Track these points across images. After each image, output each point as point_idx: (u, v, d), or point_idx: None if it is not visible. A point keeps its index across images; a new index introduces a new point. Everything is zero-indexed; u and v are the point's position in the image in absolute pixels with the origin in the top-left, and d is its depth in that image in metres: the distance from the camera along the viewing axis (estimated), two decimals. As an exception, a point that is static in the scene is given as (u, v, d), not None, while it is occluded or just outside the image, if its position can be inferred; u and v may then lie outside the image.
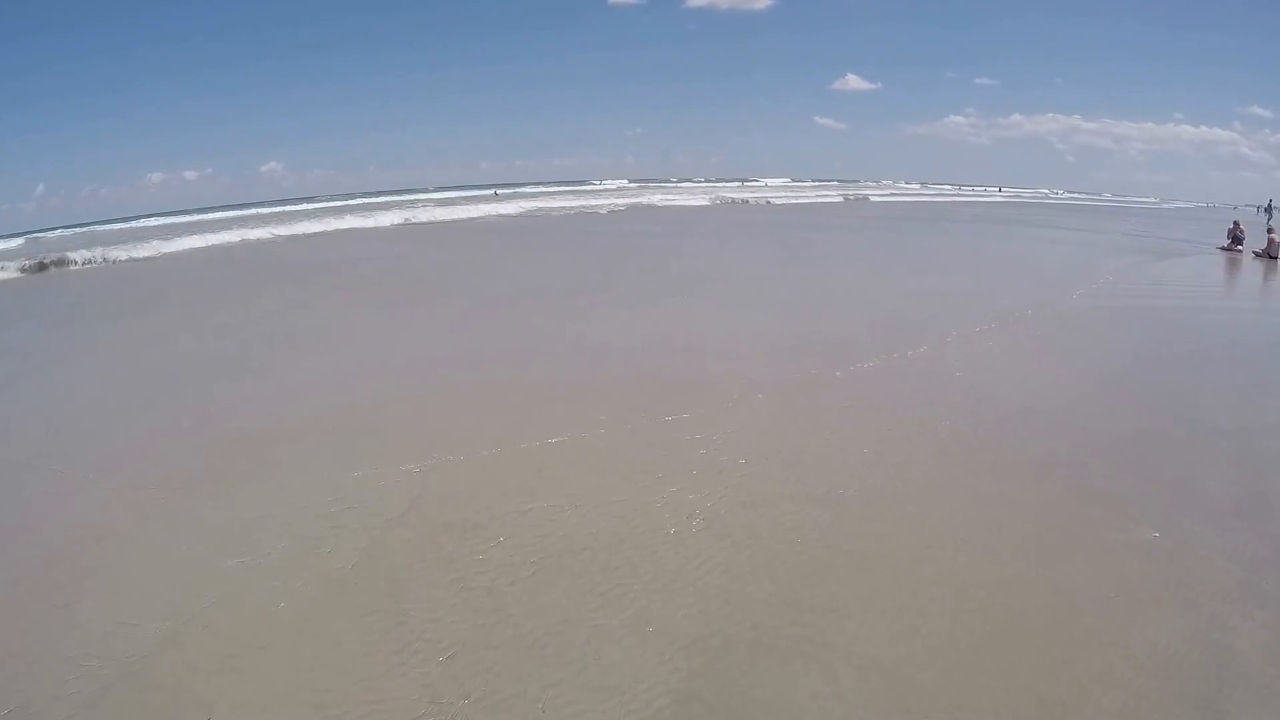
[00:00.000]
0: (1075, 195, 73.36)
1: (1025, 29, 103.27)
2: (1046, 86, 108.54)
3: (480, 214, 26.56)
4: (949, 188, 70.45)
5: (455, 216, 25.61)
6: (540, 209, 27.99)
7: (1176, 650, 2.40)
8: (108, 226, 36.70)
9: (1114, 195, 78.06)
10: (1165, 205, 62.15)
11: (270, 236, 20.08)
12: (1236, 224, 15.86)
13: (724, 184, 57.63)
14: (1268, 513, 3.36)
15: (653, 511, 3.34)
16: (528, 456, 3.96)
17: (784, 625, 2.53)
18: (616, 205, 30.90)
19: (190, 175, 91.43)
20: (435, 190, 53.04)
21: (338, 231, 21.25)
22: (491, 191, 43.95)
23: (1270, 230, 14.55)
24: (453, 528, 3.23)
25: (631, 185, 54.21)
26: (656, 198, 34.82)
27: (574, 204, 30.83)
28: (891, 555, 2.97)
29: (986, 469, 3.80)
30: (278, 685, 2.33)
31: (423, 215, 25.49)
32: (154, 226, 31.46)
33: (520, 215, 26.40)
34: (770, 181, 62.36)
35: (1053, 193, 73.98)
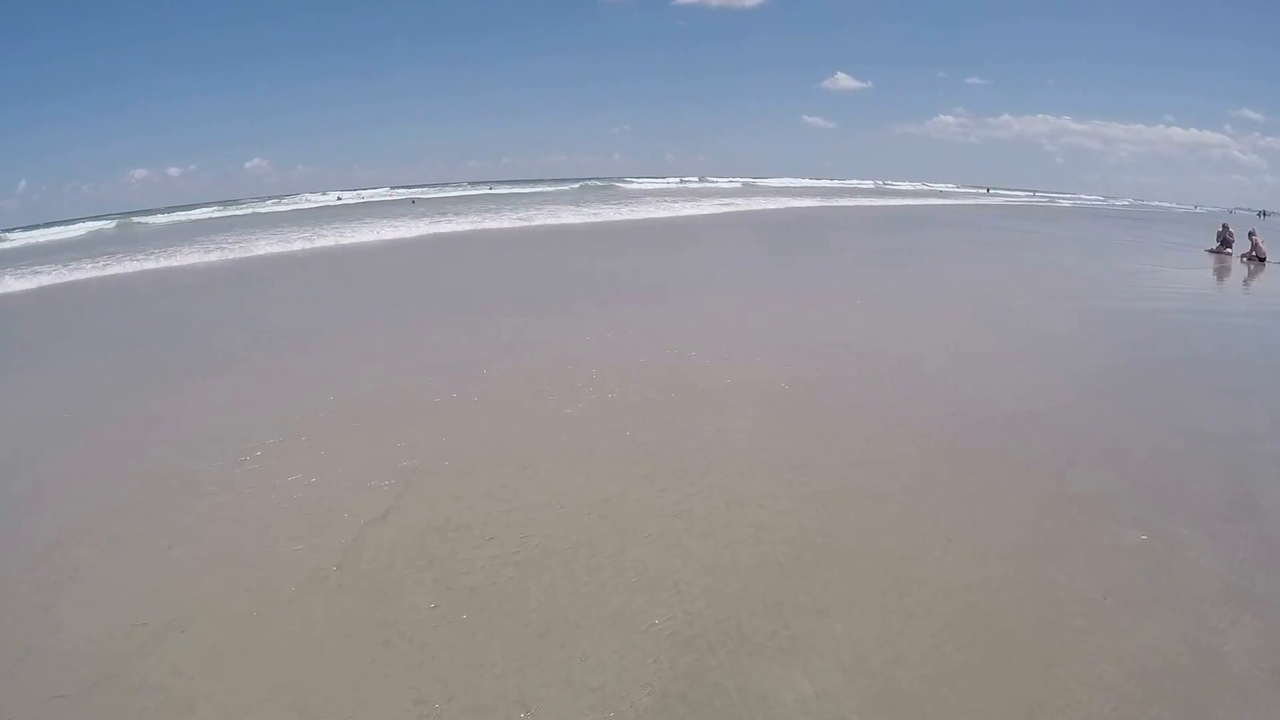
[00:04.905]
0: (1102, 199, 71.11)
1: (1018, 29, 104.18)
2: (1038, 87, 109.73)
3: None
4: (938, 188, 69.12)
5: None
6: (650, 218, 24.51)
7: (1164, 653, 2.39)
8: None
9: (1135, 199, 76.38)
10: (1181, 209, 59.81)
11: (458, 231, 19.16)
12: (1225, 227, 15.82)
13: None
14: (1255, 516, 3.35)
15: (637, 511, 3.33)
16: (511, 456, 3.94)
17: (768, 625, 2.52)
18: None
19: (174, 172, 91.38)
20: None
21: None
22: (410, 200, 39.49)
23: (1252, 233, 14.54)
24: (436, 528, 3.21)
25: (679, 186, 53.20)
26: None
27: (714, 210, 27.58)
28: (878, 556, 2.95)
29: (973, 471, 3.79)
30: (261, 686, 2.31)
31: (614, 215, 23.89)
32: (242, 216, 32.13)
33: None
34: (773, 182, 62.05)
35: (1064, 195, 72.06)
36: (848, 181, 69.96)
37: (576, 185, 51.46)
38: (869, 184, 68.26)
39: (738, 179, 62.29)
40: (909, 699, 2.20)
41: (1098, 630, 2.50)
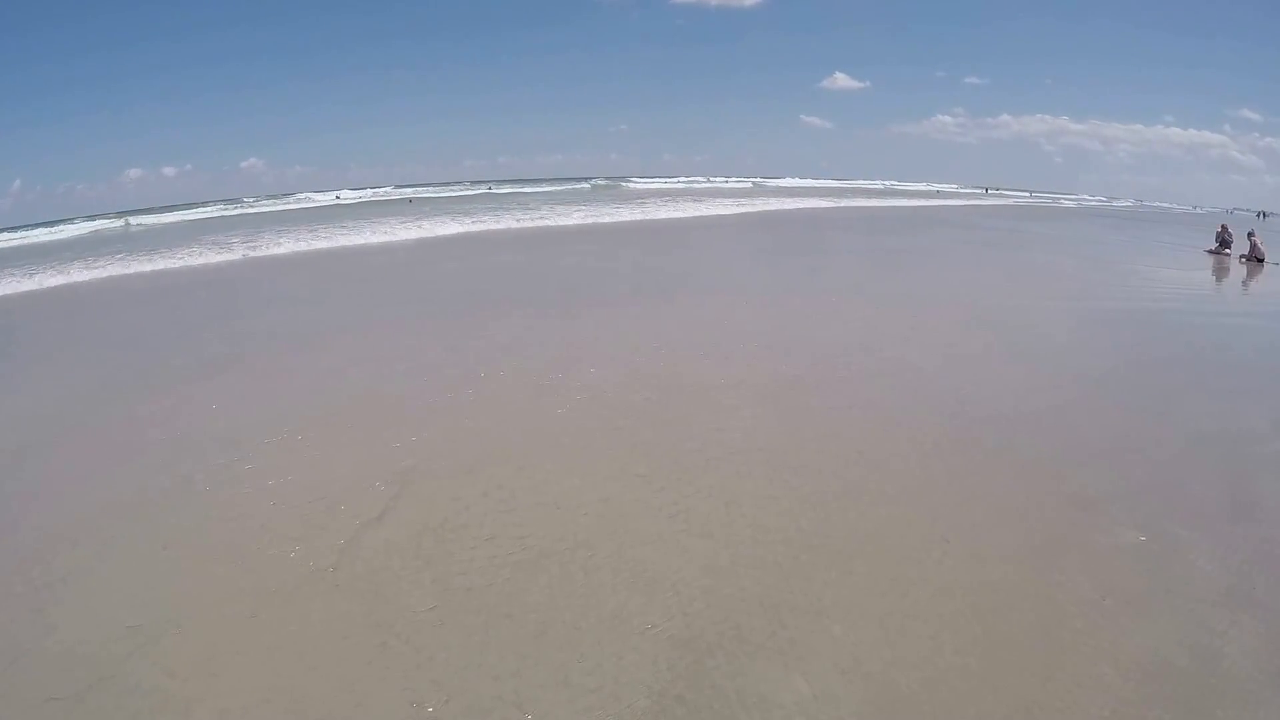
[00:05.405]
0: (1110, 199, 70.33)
1: (1017, 29, 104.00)
2: (1036, 87, 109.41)
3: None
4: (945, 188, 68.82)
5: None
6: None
7: (1163, 655, 2.39)
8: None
9: (1138, 200, 74.70)
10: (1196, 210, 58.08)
11: (466, 232, 18.88)
12: (1224, 227, 15.78)
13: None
14: (1255, 517, 3.34)
15: (634, 512, 3.32)
16: (509, 457, 3.93)
17: (767, 626, 2.51)
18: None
19: (169, 171, 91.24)
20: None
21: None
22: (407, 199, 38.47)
23: (1251, 234, 14.54)
24: (433, 528, 3.20)
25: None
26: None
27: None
28: (876, 557, 2.95)
29: (972, 471, 3.79)
30: (256, 688, 2.30)
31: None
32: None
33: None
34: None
35: (1066, 196, 70.92)
36: (855, 182, 69.76)
37: (584, 185, 51.19)
38: (878, 184, 68.22)
39: (746, 179, 62.16)
40: (907, 701, 2.19)
41: (1097, 631, 2.50)
